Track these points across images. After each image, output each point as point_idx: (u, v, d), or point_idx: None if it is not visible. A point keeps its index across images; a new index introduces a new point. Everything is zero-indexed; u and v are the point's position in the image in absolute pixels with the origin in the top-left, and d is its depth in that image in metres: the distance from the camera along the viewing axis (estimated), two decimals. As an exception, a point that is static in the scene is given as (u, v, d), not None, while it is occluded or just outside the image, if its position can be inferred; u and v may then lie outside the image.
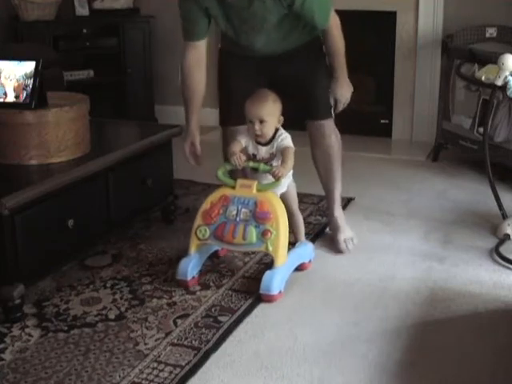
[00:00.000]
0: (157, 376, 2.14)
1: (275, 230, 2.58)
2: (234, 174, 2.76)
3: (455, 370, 2.20)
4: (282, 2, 2.58)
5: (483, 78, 3.65)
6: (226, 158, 2.80)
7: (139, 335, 2.37)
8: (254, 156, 2.73)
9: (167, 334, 2.38)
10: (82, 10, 4.97)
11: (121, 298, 2.62)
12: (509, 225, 3.14)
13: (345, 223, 3.12)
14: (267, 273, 2.59)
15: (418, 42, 4.61)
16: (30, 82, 2.66)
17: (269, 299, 2.57)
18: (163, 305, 2.57)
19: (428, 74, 4.63)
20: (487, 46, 4.21)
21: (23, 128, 2.62)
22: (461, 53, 4.09)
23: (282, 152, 2.68)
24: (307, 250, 2.89)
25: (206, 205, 2.67)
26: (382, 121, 4.89)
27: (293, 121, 2.80)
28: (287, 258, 2.65)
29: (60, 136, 2.67)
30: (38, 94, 2.66)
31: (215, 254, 2.89)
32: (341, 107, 2.97)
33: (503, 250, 3.01)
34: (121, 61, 4.93)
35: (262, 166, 2.66)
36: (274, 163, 2.70)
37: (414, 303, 2.60)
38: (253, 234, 2.58)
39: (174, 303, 2.58)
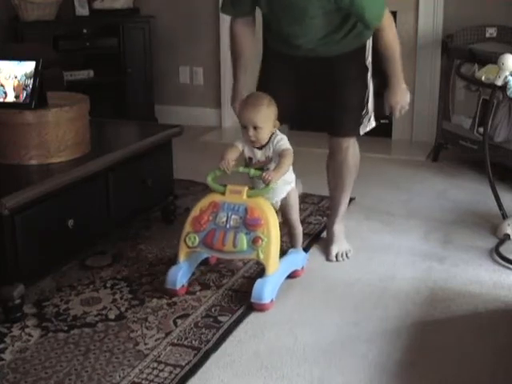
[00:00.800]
0: (157, 376, 2.14)
1: (266, 237, 2.51)
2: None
3: (455, 370, 2.20)
4: None
5: (483, 78, 3.65)
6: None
7: (139, 335, 2.37)
8: (251, 159, 2.68)
9: (167, 334, 2.38)
10: (82, 10, 4.97)
11: (121, 298, 2.62)
12: (509, 225, 3.14)
13: (343, 236, 3.04)
14: (258, 281, 2.53)
15: (418, 42, 4.61)
16: (30, 82, 2.66)
17: (260, 308, 2.51)
18: (163, 305, 2.57)
19: (428, 74, 4.63)
20: (487, 45, 4.21)
21: (23, 128, 2.62)
22: (461, 53, 4.09)
23: (280, 155, 2.62)
24: (299, 257, 2.83)
25: (195, 211, 2.60)
26: (382, 121, 4.86)
27: (309, 125, 2.77)
28: (279, 266, 2.59)
29: (60, 136, 2.67)
30: (38, 94, 2.66)
31: (205, 262, 2.83)
32: (397, 114, 2.90)
33: (503, 250, 3.01)
34: (121, 61, 4.93)
35: (252, 171, 2.60)
36: (271, 166, 2.64)
37: (414, 303, 2.60)
38: (243, 241, 2.51)
39: (174, 303, 2.58)
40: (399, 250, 3.07)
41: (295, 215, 2.79)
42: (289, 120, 2.81)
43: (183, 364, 2.21)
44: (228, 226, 2.54)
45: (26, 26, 4.66)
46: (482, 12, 4.38)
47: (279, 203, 2.73)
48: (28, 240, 2.44)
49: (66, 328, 2.42)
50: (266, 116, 2.58)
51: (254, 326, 2.43)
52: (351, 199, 3.64)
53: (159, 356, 2.25)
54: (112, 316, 2.50)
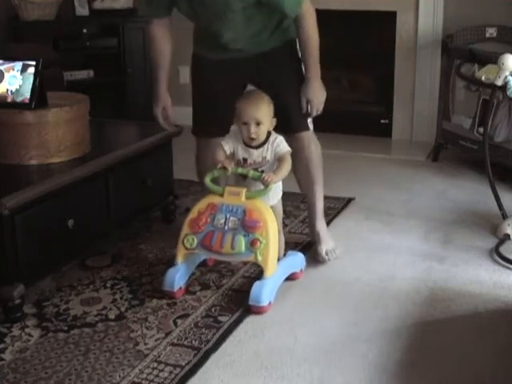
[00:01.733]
0: (157, 376, 2.14)
1: (264, 239, 2.49)
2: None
3: (455, 370, 2.20)
4: None
5: (483, 78, 3.66)
6: (200, 172, 2.73)
7: (139, 335, 2.37)
8: (245, 160, 2.62)
9: (167, 334, 2.38)
10: (82, 10, 4.96)
11: (121, 298, 2.62)
12: (509, 225, 3.14)
13: (327, 235, 2.98)
14: (256, 283, 2.51)
15: (418, 42, 4.61)
16: (30, 82, 2.66)
17: (258, 311, 2.49)
18: (163, 305, 2.57)
19: (428, 74, 4.63)
20: (487, 45, 4.22)
21: (23, 128, 2.62)
22: (461, 53, 4.09)
23: (280, 158, 2.58)
24: (298, 259, 2.80)
25: (193, 213, 2.58)
26: (382, 121, 4.89)
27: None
28: (277, 268, 2.57)
29: (60, 136, 2.67)
30: (38, 94, 2.66)
31: (204, 264, 2.81)
32: (314, 111, 2.78)
33: (503, 250, 3.01)
34: (121, 61, 4.93)
35: (251, 173, 2.56)
36: (266, 168, 2.60)
37: (414, 303, 2.60)
38: (241, 243, 2.49)
39: (174, 303, 2.58)
40: (399, 250, 3.07)
41: (280, 222, 2.75)
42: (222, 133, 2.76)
43: (183, 364, 2.21)
44: (226, 227, 2.52)
45: (26, 26, 4.65)
46: (482, 12, 4.38)
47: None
48: (28, 240, 2.44)
49: (66, 328, 2.42)
50: (267, 112, 2.57)
51: (254, 326, 2.43)
52: (351, 199, 3.66)
53: (159, 356, 2.25)
54: (112, 316, 2.50)
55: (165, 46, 2.81)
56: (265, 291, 2.49)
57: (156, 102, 2.85)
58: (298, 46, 2.77)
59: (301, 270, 2.79)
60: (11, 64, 2.71)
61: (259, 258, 2.50)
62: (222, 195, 2.57)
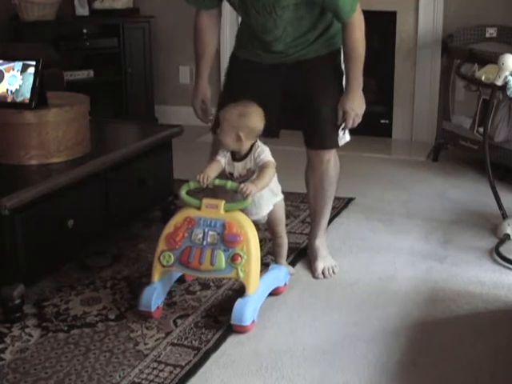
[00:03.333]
0: (157, 376, 2.14)
1: (246, 254, 2.35)
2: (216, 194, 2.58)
3: (455, 370, 2.20)
4: None
5: (483, 78, 3.66)
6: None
7: (139, 335, 2.37)
8: (231, 175, 2.53)
9: (167, 334, 2.38)
10: (82, 10, 4.96)
11: (121, 298, 2.62)
12: (509, 225, 3.15)
13: (326, 252, 2.88)
14: (238, 301, 2.37)
15: (418, 42, 4.61)
16: (30, 81, 2.66)
17: (241, 330, 2.36)
18: (163, 305, 2.57)
19: (428, 74, 4.63)
20: (487, 46, 4.22)
21: (23, 128, 2.62)
22: (461, 53, 4.09)
23: (262, 167, 2.47)
24: (281, 273, 2.66)
25: (169, 228, 2.44)
26: (382, 121, 4.89)
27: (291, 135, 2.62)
28: (260, 284, 2.43)
29: (60, 136, 2.67)
30: (38, 94, 2.66)
31: (182, 279, 2.69)
32: (350, 124, 2.65)
33: (503, 250, 3.01)
34: (121, 61, 4.93)
35: (229, 184, 2.43)
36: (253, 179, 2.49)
37: (414, 303, 2.60)
38: (221, 258, 2.35)
39: (174, 303, 2.58)
40: (399, 250, 3.07)
41: (281, 226, 2.68)
42: (264, 134, 2.63)
43: (183, 364, 2.21)
44: (205, 242, 2.38)
45: (26, 26, 4.65)
46: (482, 12, 4.38)
47: (266, 218, 2.62)
48: (28, 240, 2.44)
49: (65, 328, 2.42)
50: (245, 123, 2.45)
51: (254, 326, 2.43)
52: (351, 199, 3.66)
53: (159, 356, 2.25)
54: (112, 316, 2.50)
55: (211, 38, 2.72)
56: (247, 310, 2.36)
57: (195, 94, 2.78)
58: (341, 57, 2.67)
59: (285, 284, 2.67)
60: (11, 64, 2.71)
61: (241, 275, 2.36)
62: (199, 208, 2.43)
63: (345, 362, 2.24)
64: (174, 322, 2.46)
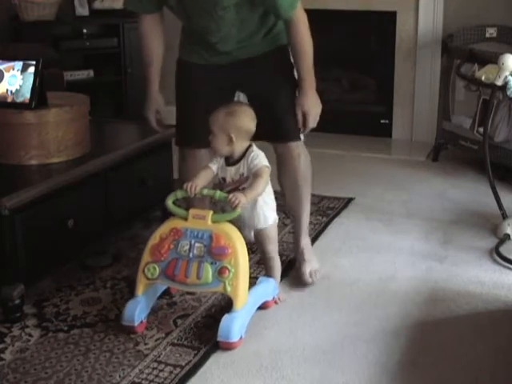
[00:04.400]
0: (157, 376, 2.14)
1: (234, 267, 2.27)
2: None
3: (455, 369, 2.20)
4: None
5: (483, 78, 3.65)
6: (184, 181, 2.46)
7: (139, 335, 2.37)
8: (224, 180, 2.45)
9: (167, 334, 2.38)
10: (82, 10, 4.96)
11: (121, 298, 2.62)
12: (509, 225, 3.15)
13: (312, 254, 2.81)
14: (226, 317, 2.28)
15: (418, 42, 4.61)
16: (30, 81, 2.66)
17: (228, 347, 2.27)
18: (163, 305, 2.57)
19: (428, 74, 4.63)
20: (487, 45, 4.22)
21: (23, 128, 2.62)
22: (461, 53, 4.09)
23: (255, 174, 2.38)
24: (270, 287, 2.55)
25: (154, 239, 2.35)
26: (382, 121, 4.89)
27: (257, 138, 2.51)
28: (248, 299, 2.34)
29: (60, 136, 2.67)
30: (38, 94, 2.66)
31: (167, 292, 2.60)
32: (311, 123, 2.58)
33: (503, 250, 3.01)
34: (121, 61, 4.93)
35: (218, 194, 2.34)
36: (246, 186, 2.41)
37: (414, 303, 2.60)
38: (208, 272, 2.27)
39: (174, 303, 2.58)
40: (399, 250, 3.07)
41: (273, 246, 2.57)
42: None
43: (183, 364, 2.21)
44: (191, 255, 2.30)
45: (26, 26, 4.64)
46: (482, 12, 4.38)
47: (252, 236, 2.54)
48: (28, 240, 2.44)
49: (66, 328, 2.42)
50: (235, 124, 2.38)
51: (254, 326, 2.43)
52: (351, 199, 3.65)
53: (159, 356, 2.25)
54: (112, 316, 2.50)
55: (155, 43, 2.66)
56: (235, 326, 2.27)
57: (148, 105, 2.70)
58: (289, 50, 2.61)
59: (273, 298, 2.57)
60: (11, 64, 2.71)
61: (228, 289, 2.28)
62: (186, 219, 2.35)
63: (345, 362, 2.24)
64: (174, 322, 2.46)
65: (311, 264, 2.77)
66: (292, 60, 2.61)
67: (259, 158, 2.41)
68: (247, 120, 2.42)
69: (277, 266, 2.62)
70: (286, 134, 2.64)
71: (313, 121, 2.59)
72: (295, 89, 2.61)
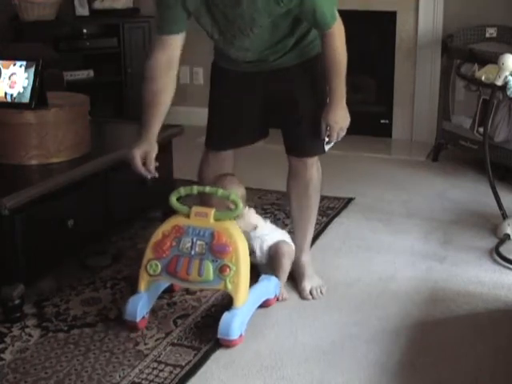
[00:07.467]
0: (157, 376, 2.15)
1: (234, 265, 2.28)
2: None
3: (455, 369, 2.20)
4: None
5: (483, 78, 3.66)
6: (203, 183, 2.52)
7: (139, 335, 2.37)
8: None
9: (167, 334, 2.38)
10: (82, 10, 4.96)
11: (121, 298, 2.62)
12: (509, 225, 3.15)
13: (312, 270, 2.72)
14: (226, 315, 2.29)
15: (418, 42, 4.61)
16: (30, 82, 2.66)
17: (228, 344, 2.28)
18: (163, 305, 2.57)
19: (428, 74, 4.63)
20: (487, 46, 4.22)
21: (23, 128, 2.62)
22: (461, 53, 4.09)
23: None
24: (271, 285, 2.55)
25: (156, 236, 2.37)
26: (382, 121, 4.89)
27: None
28: (249, 297, 2.34)
29: (60, 136, 2.67)
30: (38, 94, 2.66)
31: (170, 289, 2.61)
32: (334, 137, 2.51)
33: (503, 250, 3.01)
34: (121, 61, 4.93)
35: (220, 192, 2.38)
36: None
37: (414, 303, 2.60)
38: (209, 269, 2.28)
39: (174, 303, 2.58)
40: (399, 250, 3.07)
41: (289, 261, 2.63)
42: (255, 139, 2.66)
43: (183, 364, 2.21)
44: (193, 252, 2.31)
45: (26, 26, 4.65)
46: (482, 12, 4.38)
47: (265, 259, 2.64)
48: (28, 240, 2.44)
49: (66, 328, 2.42)
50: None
51: (255, 326, 2.43)
52: (351, 199, 3.65)
53: (159, 356, 2.25)
54: (112, 316, 2.50)
55: (167, 83, 2.40)
56: (235, 324, 2.27)
57: (139, 145, 2.40)
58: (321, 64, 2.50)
59: (275, 296, 2.57)
60: (11, 64, 2.70)
61: (229, 287, 2.29)
62: (188, 216, 2.37)
63: (345, 362, 2.24)
64: (174, 322, 2.46)
65: (312, 281, 2.69)
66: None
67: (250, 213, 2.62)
68: (236, 188, 2.52)
69: (285, 267, 2.63)
70: (305, 151, 2.61)
71: (336, 135, 2.51)
72: (324, 100, 2.50)
